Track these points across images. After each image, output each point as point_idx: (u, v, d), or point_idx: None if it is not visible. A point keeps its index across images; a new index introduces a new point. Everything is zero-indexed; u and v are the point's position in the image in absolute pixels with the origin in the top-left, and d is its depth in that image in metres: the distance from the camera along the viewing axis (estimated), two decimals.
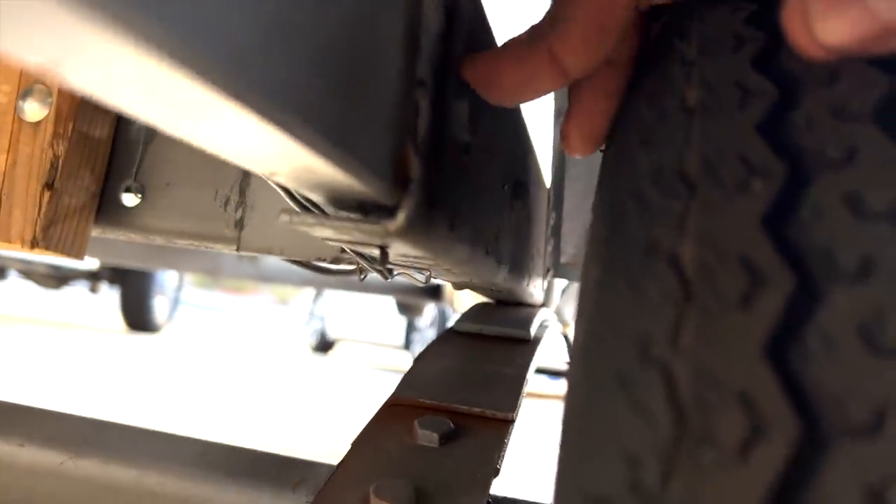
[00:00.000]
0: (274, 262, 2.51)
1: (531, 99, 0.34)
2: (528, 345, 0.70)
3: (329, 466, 0.50)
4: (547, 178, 0.81)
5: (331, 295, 7.40)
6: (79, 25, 0.13)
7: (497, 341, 0.70)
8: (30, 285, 5.68)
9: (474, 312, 0.77)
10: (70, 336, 5.12)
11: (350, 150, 0.24)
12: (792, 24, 0.22)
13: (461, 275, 0.51)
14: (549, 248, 0.82)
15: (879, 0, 0.20)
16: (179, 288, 6.27)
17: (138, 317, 5.73)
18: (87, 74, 0.16)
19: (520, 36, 0.33)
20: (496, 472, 0.48)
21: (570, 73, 0.32)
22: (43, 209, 0.56)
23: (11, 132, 0.57)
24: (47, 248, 0.56)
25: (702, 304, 0.20)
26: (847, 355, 0.18)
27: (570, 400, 0.23)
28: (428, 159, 0.30)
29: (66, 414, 0.55)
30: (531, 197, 0.64)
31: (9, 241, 0.55)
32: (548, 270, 0.84)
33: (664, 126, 0.25)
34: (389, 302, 5.56)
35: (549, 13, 0.32)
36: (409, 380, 0.59)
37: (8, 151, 0.57)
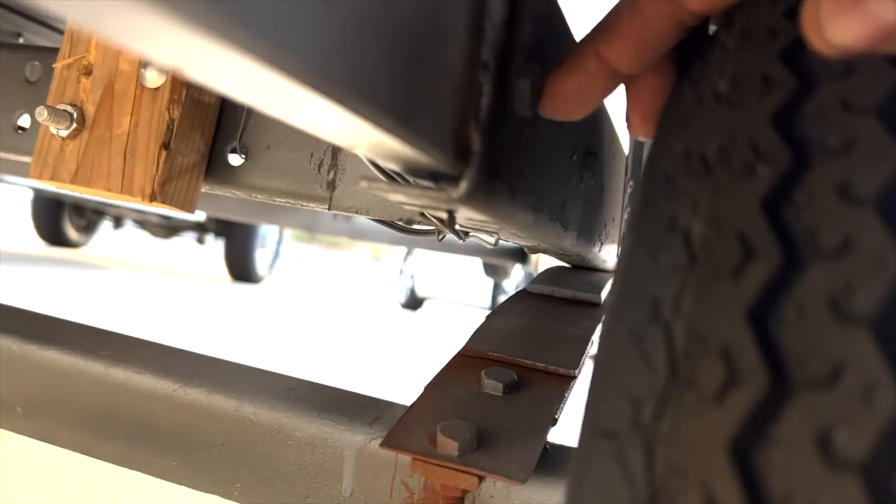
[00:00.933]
0: (366, 220, 2.60)
1: (593, 104, 0.37)
2: (598, 308, 0.73)
3: (402, 407, 0.56)
4: (626, 147, 0.82)
5: (421, 254, 7.55)
6: (195, 40, 0.18)
7: (567, 303, 0.73)
8: (143, 234, 6.09)
9: (548, 275, 0.80)
10: (178, 283, 5.47)
11: (415, 127, 0.28)
12: (806, 24, 0.24)
13: (529, 238, 0.55)
14: (626, 216, 0.84)
15: (881, 3, 0.22)
16: (280, 241, 6.53)
17: (241, 268, 6.02)
18: (203, 73, 0.20)
19: (569, 52, 0.36)
20: (554, 422, 0.51)
21: (621, 71, 0.35)
22: (160, 167, 0.63)
23: (134, 97, 0.64)
24: (163, 202, 0.63)
25: (700, 274, 0.23)
26: (815, 321, 0.20)
27: (598, 352, 0.26)
28: (489, 134, 0.34)
29: (177, 348, 0.63)
30: (604, 166, 0.66)
31: (131, 194, 0.63)
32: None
33: (699, 111, 0.28)
34: (477, 264, 5.62)
35: (596, 25, 0.35)
36: (480, 334, 0.63)
37: (131, 114, 0.64)
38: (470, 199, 0.34)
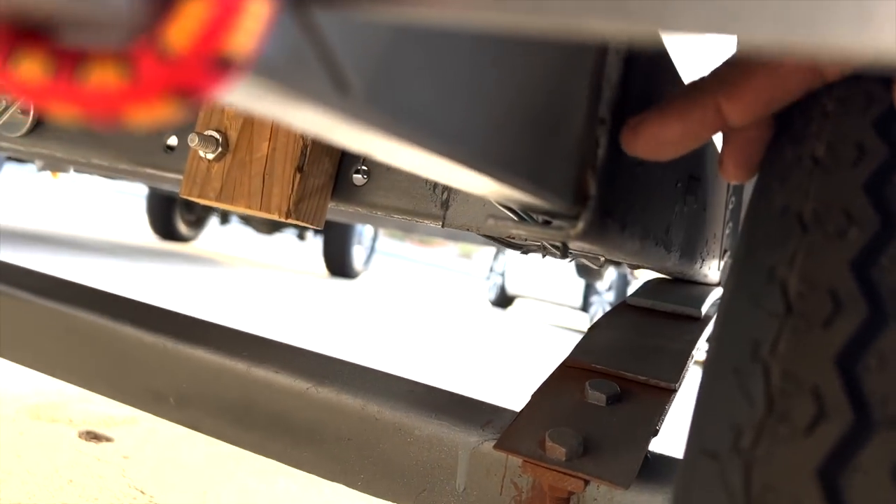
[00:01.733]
0: None
1: (688, 150, 0.38)
2: (698, 322, 0.75)
3: (512, 412, 0.60)
4: None
5: (512, 252, 7.56)
6: (401, 148, 0.23)
7: (668, 317, 0.75)
8: (248, 230, 6.39)
9: (649, 288, 0.82)
10: (280, 277, 5.72)
11: (539, 182, 0.33)
12: None
13: (633, 262, 0.58)
14: (727, 231, 0.86)
15: None
16: (375, 238, 6.72)
17: (339, 263, 6.24)
18: (388, 159, 0.26)
19: (679, 95, 0.37)
20: (655, 433, 0.55)
21: (732, 124, 0.36)
22: (295, 188, 0.70)
23: (272, 125, 0.71)
24: (297, 219, 0.70)
25: (795, 323, 0.27)
26: (894, 369, 0.24)
27: (703, 380, 0.30)
28: (604, 179, 0.38)
29: (310, 351, 0.70)
30: (707, 187, 0.68)
31: (269, 212, 0.70)
32: (725, 251, 0.87)
33: (797, 170, 0.31)
34: (569, 263, 5.60)
35: (715, 72, 0.37)
36: (583, 346, 0.67)
37: (269, 140, 0.72)
38: (584, 237, 0.38)
